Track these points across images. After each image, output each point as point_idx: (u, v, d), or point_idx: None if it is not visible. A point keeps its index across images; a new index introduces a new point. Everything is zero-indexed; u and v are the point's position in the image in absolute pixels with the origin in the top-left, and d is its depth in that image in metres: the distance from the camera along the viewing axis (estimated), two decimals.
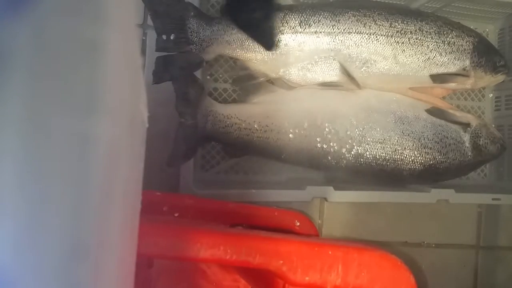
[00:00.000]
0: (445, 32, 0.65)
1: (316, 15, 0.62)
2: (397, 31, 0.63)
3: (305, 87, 0.65)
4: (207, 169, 0.68)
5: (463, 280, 0.76)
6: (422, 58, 0.64)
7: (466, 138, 0.67)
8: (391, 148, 0.64)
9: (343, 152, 0.63)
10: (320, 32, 0.62)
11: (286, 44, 0.63)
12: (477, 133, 0.68)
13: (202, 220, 0.60)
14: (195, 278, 0.55)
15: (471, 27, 0.71)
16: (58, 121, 0.20)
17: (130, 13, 0.28)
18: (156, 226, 0.48)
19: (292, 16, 0.62)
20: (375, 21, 0.63)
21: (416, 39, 0.64)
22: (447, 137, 0.66)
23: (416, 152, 0.65)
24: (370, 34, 0.63)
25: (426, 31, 0.64)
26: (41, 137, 0.20)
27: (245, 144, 0.63)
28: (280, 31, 0.62)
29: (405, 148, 0.64)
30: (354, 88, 0.64)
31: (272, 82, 0.68)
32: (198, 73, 0.63)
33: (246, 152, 0.66)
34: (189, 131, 0.60)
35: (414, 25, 0.64)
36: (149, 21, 0.61)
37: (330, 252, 0.54)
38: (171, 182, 0.61)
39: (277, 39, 0.62)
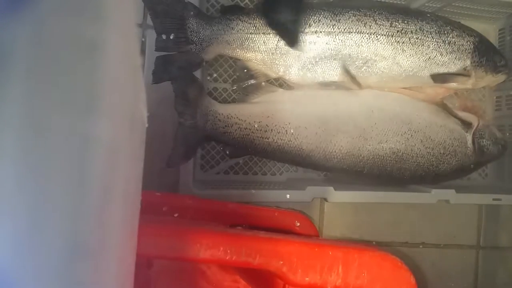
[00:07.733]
0: (445, 32, 0.65)
1: (316, 15, 0.62)
2: (398, 31, 0.63)
3: (305, 87, 0.65)
4: (206, 169, 0.68)
5: (464, 280, 0.76)
6: (423, 58, 0.64)
7: (468, 138, 0.67)
8: (392, 149, 0.64)
9: (344, 152, 0.63)
10: (320, 32, 0.62)
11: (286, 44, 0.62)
12: (479, 133, 0.68)
13: (202, 220, 0.59)
14: (195, 279, 0.55)
15: (472, 27, 0.71)
16: (57, 121, 0.20)
17: (130, 13, 0.28)
18: (156, 227, 0.48)
19: None
20: (375, 21, 0.63)
21: (417, 38, 0.64)
22: (448, 138, 0.66)
23: (417, 153, 0.65)
24: (370, 34, 0.63)
25: (427, 31, 0.64)
26: (40, 137, 0.20)
27: (245, 144, 0.63)
28: None
29: (406, 148, 0.64)
30: (354, 88, 0.64)
31: (272, 82, 0.68)
32: (198, 73, 0.63)
33: (246, 152, 0.66)
34: (188, 131, 0.60)
35: (415, 24, 0.64)
36: (149, 21, 0.61)
37: (330, 253, 0.54)
38: (171, 182, 0.61)
39: (277, 39, 0.62)
